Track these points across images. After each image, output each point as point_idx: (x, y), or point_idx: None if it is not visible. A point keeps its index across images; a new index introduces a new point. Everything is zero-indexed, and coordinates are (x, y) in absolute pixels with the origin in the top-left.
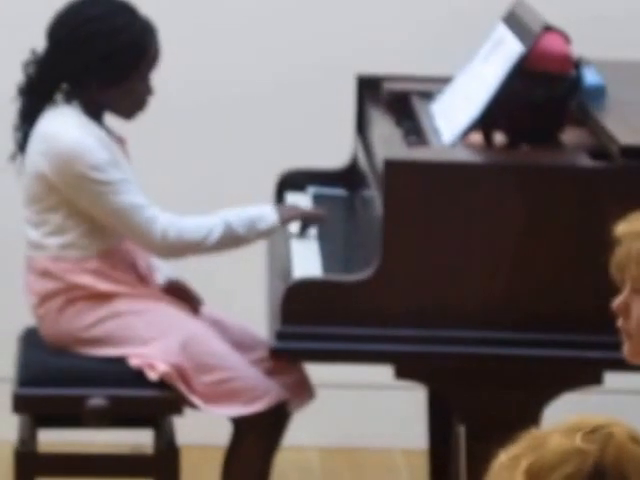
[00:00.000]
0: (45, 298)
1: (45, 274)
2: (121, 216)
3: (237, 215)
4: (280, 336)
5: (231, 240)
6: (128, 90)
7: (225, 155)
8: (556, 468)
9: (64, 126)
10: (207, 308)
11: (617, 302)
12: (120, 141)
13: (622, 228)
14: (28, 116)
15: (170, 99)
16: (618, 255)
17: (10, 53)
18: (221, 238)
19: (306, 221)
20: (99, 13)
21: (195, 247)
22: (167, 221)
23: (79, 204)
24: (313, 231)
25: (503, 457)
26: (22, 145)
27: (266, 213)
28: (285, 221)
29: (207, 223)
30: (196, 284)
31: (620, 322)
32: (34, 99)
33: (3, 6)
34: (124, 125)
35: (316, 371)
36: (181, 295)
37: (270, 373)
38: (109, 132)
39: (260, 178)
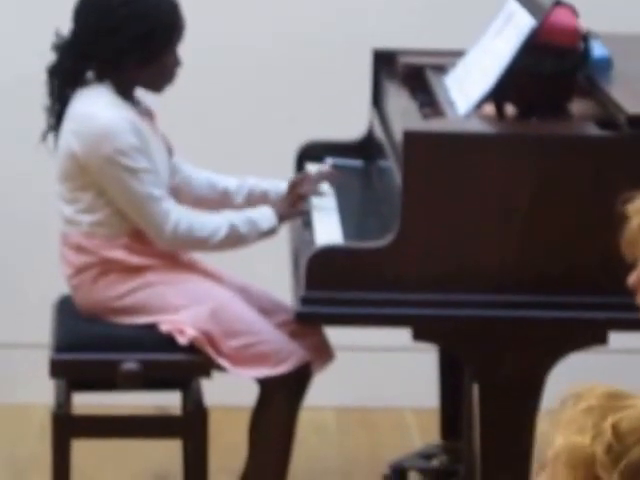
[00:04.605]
0: (79, 270)
1: (79, 249)
2: (138, 204)
3: (239, 215)
4: (305, 301)
5: (234, 239)
6: (161, 66)
7: (246, 128)
8: None
9: (97, 106)
10: (232, 276)
11: (632, 278)
12: (149, 115)
13: (631, 205)
14: (59, 97)
15: (188, 73)
16: (628, 232)
17: (28, 33)
18: (226, 237)
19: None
20: None
21: (201, 243)
22: (179, 216)
23: (103, 185)
24: (331, 203)
25: (582, 403)
26: (54, 125)
27: (266, 213)
28: (282, 220)
29: (214, 221)
30: (221, 255)
31: (639, 298)
32: (65, 81)
33: None
34: (147, 97)
35: (331, 335)
36: None
37: (292, 336)
38: (139, 109)
39: (281, 149)
